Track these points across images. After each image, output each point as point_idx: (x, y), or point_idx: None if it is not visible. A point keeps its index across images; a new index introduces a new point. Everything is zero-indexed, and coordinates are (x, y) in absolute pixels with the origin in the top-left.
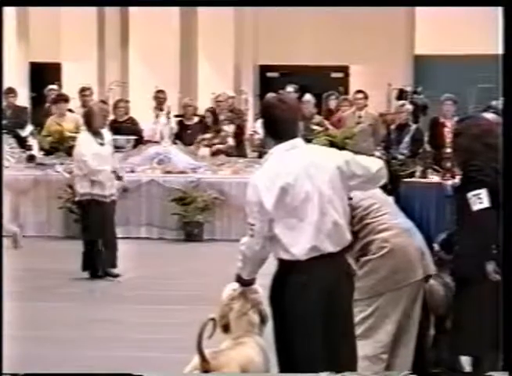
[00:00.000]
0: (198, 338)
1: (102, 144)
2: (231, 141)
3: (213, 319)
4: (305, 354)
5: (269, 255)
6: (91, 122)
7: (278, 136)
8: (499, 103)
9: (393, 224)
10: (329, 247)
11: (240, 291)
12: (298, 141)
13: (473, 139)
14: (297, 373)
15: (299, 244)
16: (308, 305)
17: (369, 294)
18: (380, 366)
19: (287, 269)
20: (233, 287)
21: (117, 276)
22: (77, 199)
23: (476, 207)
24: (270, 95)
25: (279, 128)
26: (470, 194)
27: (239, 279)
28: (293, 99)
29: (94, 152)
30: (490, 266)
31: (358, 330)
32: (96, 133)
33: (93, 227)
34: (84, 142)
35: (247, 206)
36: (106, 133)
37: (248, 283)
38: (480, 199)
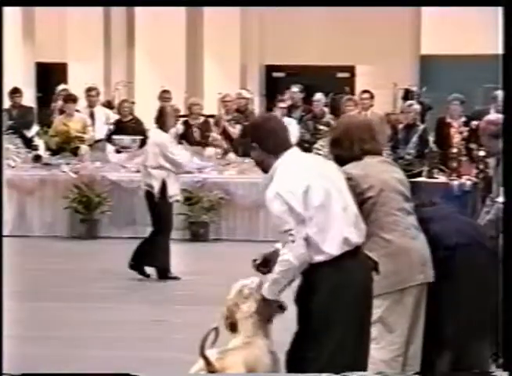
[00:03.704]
0: (201, 344)
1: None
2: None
3: (216, 328)
4: (343, 354)
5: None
6: (164, 122)
7: (273, 150)
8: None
9: (400, 223)
10: (356, 238)
11: (250, 291)
12: (296, 149)
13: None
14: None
15: (330, 240)
16: (347, 304)
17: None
18: (397, 368)
19: (319, 272)
20: (242, 284)
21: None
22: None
23: None
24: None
25: (272, 142)
26: None
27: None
28: (278, 116)
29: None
30: None
31: (372, 333)
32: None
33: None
34: (168, 140)
35: (278, 219)
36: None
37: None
38: None
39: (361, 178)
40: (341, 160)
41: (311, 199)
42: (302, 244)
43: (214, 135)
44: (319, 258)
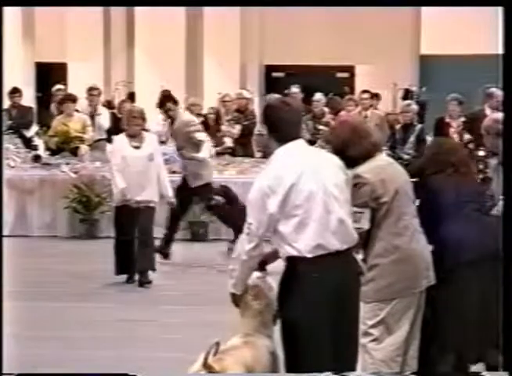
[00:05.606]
0: (204, 358)
1: (137, 147)
2: (228, 142)
3: (217, 342)
4: (313, 353)
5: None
6: (123, 124)
7: (281, 138)
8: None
9: (408, 228)
10: (336, 244)
11: (258, 289)
12: (301, 142)
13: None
14: (301, 372)
15: (303, 241)
16: (316, 303)
17: (372, 299)
18: (395, 368)
19: (295, 267)
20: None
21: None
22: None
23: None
24: (272, 96)
25: (282, 129)
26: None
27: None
28: (297, 101)
29: (123, 154)
30: None
31: (374, 334)
32: (132, 136)
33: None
34: (116, 143)
35: (249, 205)
36: (150, 137)
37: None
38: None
39: (377, 183)
40: (351, 161)
41: (292, 198)
42: (254, 241)
43: (231, 128)
44: (291, 251)
